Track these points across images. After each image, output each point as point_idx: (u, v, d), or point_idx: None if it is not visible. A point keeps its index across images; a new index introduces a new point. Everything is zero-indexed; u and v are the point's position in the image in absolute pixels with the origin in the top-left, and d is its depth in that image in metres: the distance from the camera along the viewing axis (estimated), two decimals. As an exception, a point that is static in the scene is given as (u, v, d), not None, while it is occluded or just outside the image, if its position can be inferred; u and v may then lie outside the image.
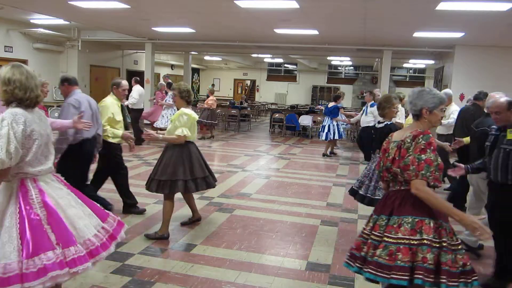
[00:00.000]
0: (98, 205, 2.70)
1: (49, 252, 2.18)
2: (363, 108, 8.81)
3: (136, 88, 9.97)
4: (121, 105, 4.87)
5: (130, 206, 4.99)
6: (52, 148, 2.53)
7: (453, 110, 6.41)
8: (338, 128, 9.83)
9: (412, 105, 2.47)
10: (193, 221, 4.71)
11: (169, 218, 4.24)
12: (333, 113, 9.77)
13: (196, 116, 4.27)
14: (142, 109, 10.33)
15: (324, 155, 10.01)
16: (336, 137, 9.85)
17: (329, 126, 9.76)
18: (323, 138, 9.92)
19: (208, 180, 4.33)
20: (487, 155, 3.49)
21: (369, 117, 8.28)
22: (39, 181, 2.35)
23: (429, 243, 2.24)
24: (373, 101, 8.40)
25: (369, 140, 9.01)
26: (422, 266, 2.19)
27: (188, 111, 4.17)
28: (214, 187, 4.53)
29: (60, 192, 2.43)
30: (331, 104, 9.96)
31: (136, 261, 3.64)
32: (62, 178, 2.58)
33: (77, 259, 2.26)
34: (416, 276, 2.18)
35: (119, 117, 4.73)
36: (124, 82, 4.88)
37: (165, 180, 4.07)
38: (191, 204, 4.68)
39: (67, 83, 4.30)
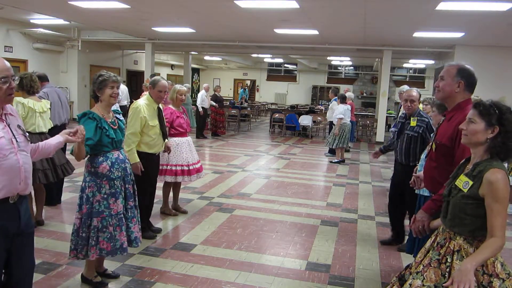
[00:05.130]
0: None
1: None
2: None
3: None
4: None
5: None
6: None
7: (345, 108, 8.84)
8: None
9: None
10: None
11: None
12: None
13: (33, 106, 4.18)
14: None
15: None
16: None
17: None
18: None
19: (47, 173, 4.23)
20: (395, 139, 4.24)
21: (330, 112, 9.80)
22: None
23: None
24: (335, 97, 10.01)
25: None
26: None
27: (22, 99, 4.13)
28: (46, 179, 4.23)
29: None
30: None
31: (136, 261, 3.64)
32: None
33: None
34: None
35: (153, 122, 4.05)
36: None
37: None
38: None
39: (39, 80, 5.34)
